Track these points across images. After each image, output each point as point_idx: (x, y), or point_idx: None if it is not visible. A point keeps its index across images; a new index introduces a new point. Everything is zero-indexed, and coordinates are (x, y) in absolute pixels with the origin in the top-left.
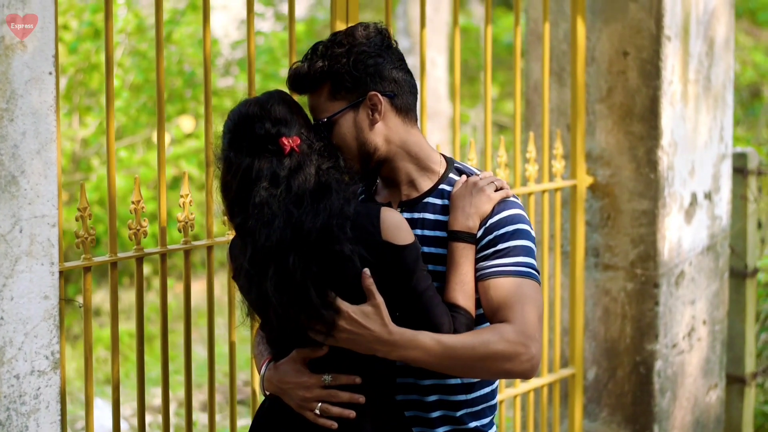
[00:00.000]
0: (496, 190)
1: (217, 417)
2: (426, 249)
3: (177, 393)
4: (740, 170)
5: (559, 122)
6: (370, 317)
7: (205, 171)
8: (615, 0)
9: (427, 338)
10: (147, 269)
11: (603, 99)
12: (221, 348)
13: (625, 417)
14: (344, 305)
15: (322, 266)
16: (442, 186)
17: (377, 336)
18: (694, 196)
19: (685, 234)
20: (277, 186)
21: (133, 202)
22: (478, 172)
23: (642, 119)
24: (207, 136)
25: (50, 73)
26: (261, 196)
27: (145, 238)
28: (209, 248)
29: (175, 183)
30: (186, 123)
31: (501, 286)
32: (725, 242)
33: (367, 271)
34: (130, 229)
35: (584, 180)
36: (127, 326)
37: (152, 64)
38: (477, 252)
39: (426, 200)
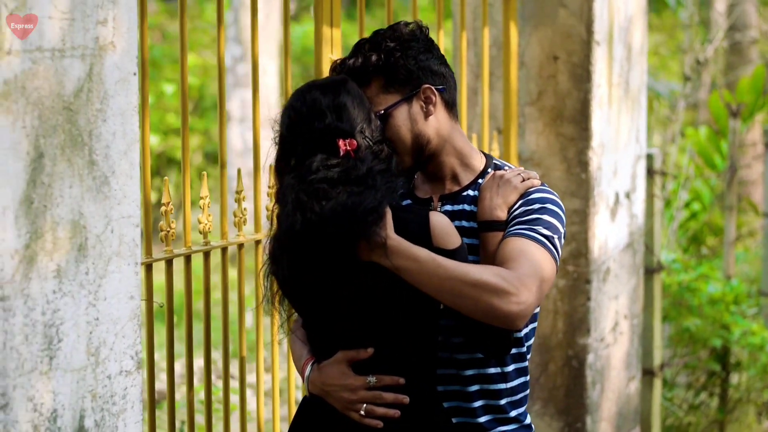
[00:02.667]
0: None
1: None
2: (466, 240)
3: None
4: (647, 170)
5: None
6: None
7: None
8: (545, 6)
9: (423, 252)
10: None
11: (533, 102)
12: None
13: (558, 410)
14: None
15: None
16: (480, 180)
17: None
18: (617, 196)
19: (610, 232)
20: (326, 182)
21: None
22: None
23: (572, 121)
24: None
25: (134, 74)
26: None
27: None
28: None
29: None
30: None
31: (513, 243)
32: (641, 239)
33: None
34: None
35: None
36: None
37: None
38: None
39: (465, 193)
